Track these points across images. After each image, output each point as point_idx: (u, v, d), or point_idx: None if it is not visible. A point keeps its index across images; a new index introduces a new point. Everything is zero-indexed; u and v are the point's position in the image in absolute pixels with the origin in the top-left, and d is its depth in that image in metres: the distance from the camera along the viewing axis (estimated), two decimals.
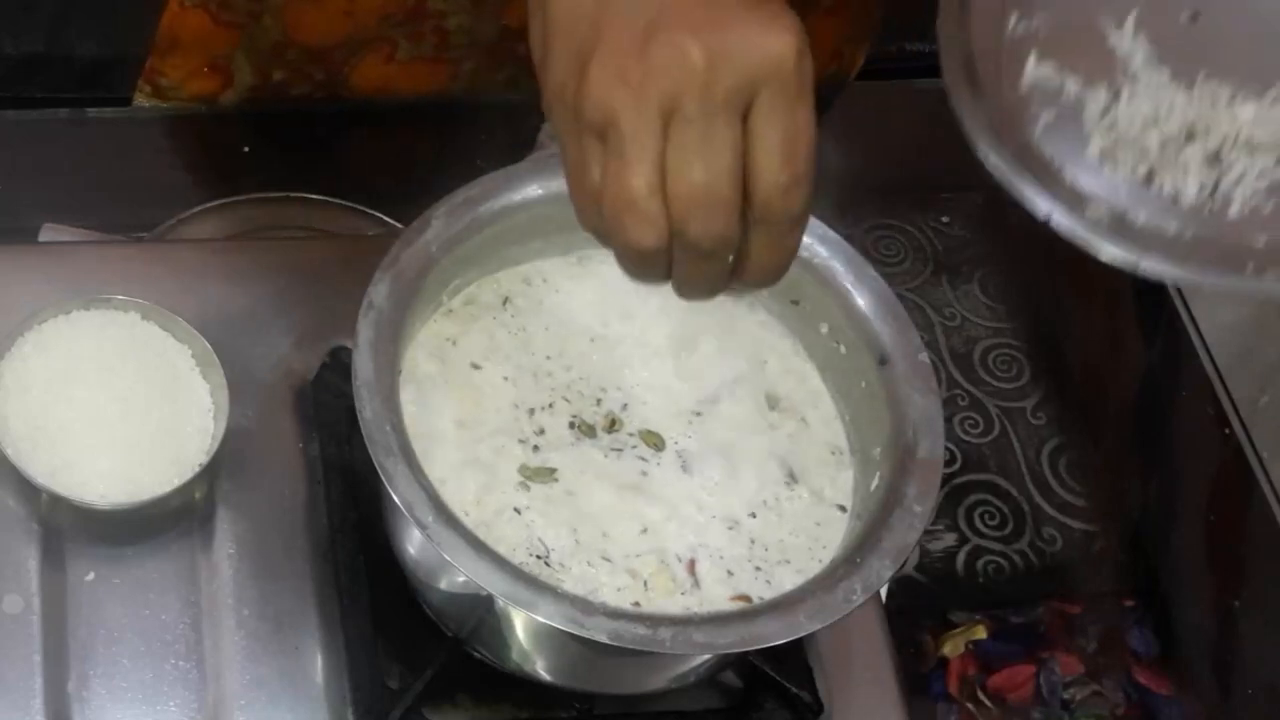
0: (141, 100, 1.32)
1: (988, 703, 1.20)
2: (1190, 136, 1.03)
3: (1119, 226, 0.98)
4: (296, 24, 1.26)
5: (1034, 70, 0.92)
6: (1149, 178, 1.01)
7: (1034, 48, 0.91)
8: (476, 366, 0.97)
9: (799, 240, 0.76)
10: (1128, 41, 0.94)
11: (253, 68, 1.29)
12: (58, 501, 0.98)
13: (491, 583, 0.84)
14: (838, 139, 1.47)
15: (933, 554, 1.32)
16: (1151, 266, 0.96)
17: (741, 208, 0.73)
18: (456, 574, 0.87)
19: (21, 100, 1.48)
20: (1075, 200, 0.97)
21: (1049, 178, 0.98)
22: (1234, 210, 1.01)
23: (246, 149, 1.35)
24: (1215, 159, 1.03)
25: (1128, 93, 1.04)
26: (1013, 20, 0.92)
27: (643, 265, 0.74)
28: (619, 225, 0.72)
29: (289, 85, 1.30)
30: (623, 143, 0.69)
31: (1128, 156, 1.01)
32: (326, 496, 1.02)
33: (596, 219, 0.73)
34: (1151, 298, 1.45)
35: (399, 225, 1.27)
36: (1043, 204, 0.93)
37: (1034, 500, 1.39)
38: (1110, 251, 0.95)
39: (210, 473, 1.01)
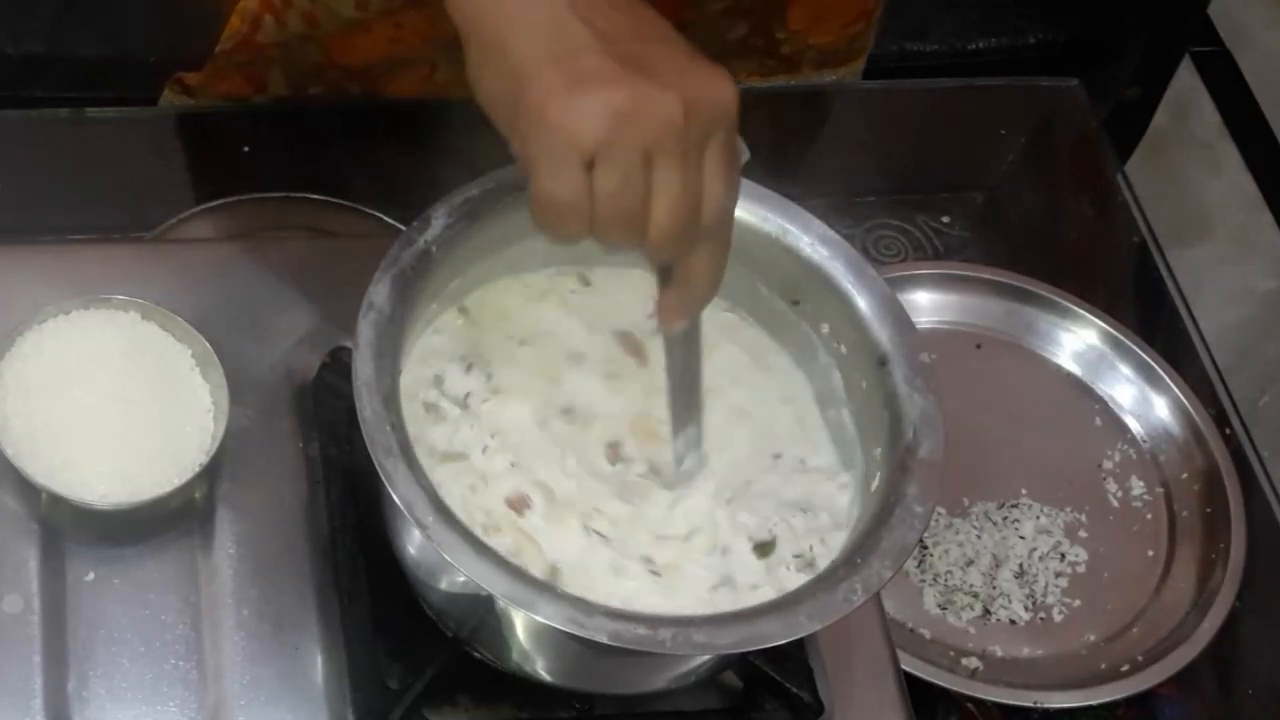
0: (171, 98, 1.33)
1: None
2: (998, 564, 1.27)
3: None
4: (341, 48, 1.27)
5: None
6: (985, 614, 1.25)
7: None
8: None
9: (728, 252, 0.87)
10: None
11: (288, 81, 1.30)
12: (58, 501, 0.98)
13: (491, 583, 0.84)
14: (838, 139, 1.48)
15: None
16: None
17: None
18: (456, 574, 0.87)
19: (21, 100, 1.48)
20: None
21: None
22: (1058, 616, 1.26)
23: (246, 149, 1.35)
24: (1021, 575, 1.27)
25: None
26: None
27: (614, 247, 0.84)
28: (610, 230, 0.82)
29: (323, 97, 1.31)
30: (615, 172, 0.80)
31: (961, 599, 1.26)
32: (326, 496, 1.02)
33: (570, 226, 0.82)
34: (1152, 297, 1.45)
35: (399, 225, 1.27)
36: None
37: None
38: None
39: (210, 473, 1.01)
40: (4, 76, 1.60)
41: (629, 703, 0.99)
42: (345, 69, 1.29)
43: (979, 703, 1.20)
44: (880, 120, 1.50)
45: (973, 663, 1.23)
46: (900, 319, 0.97)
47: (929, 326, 1.39)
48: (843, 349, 0.99)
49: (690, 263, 0.85)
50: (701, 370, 0.93)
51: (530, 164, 0.82)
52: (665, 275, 0.87)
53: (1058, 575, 1.28)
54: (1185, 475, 1.34)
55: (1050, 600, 1.26)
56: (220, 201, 1.30)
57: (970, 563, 1.27)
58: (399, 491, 0.86)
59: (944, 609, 1.25)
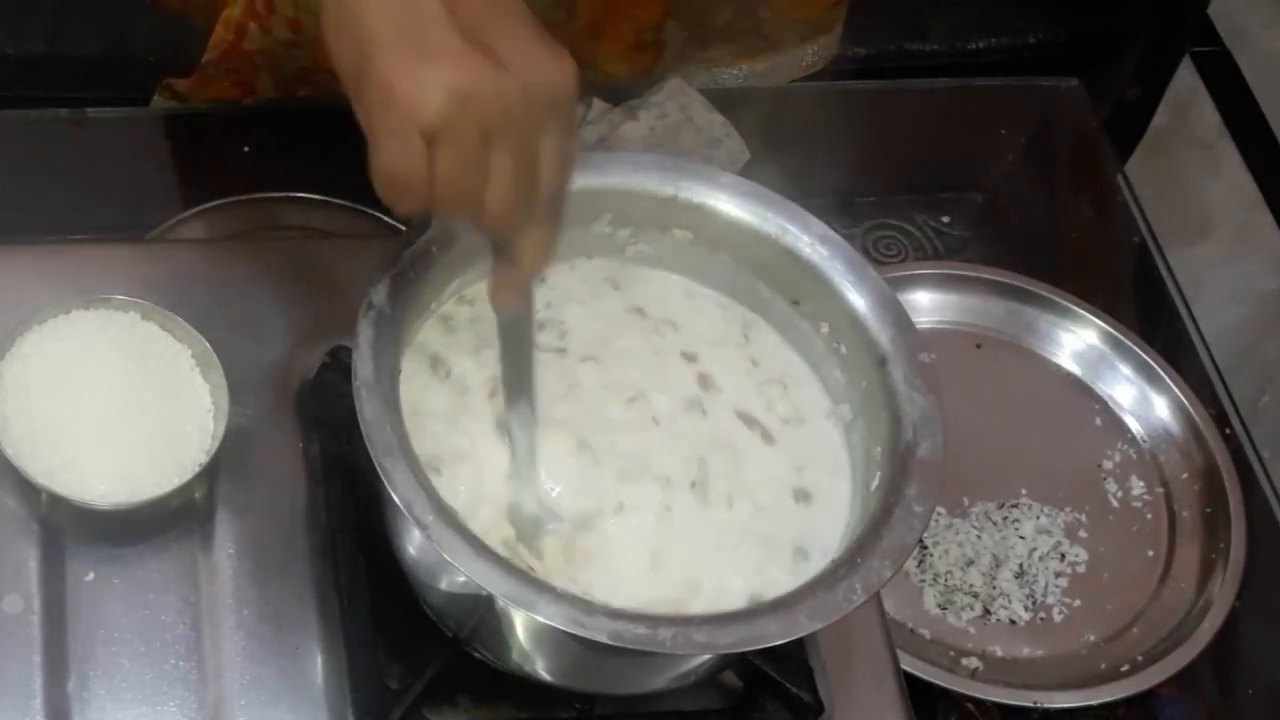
0: (160, 101, 1.33)
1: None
2: (998, 564, 1.27)
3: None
4: (327, 53, 1.27)
5: None
6: (985, 614, 1.25)
7: None
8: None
9: (559, 232, 0.88)
10: None
11: (276, 85, 1.30)
12: (58, 501, 0.98)
13: (491, 583, 0.84)
14: (838, 139, 1.48)
15: None
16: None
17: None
18: (456, 574, 0.87)
19: (21, 100, 1.48)
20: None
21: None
22: (1058, 616, 1.27)
23: (246, 149, 1.35)
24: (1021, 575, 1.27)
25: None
26: None
27: (451, 219, 0.90)
28: (447, 205, 0.84)
29: (323, 97, 1.31)
30: (454, 151, 0.81)
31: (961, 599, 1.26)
32: (326, 496, 1.02)
33: (408, 198, 0.84)
34: (1152, 297, 1.45)
35: (399, 225, 1.27)
36: None
37: None
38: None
39: (210, 473, 1.01)
40: (4, 76, 1.61)
41: (629, 703, 0.99)
42: (332, 73, 1.29)
43: (979, 703, 1.20)
44: (880, 120, 1.50)
45: (973, 663, 1.23)
46: (900, 319, 0.97)
47: (929, 326, 1.39)
48: (843, 349, 0.99)
49: (521, 241, 0.87)
50: (533, 351, 0.93)
51: (372, 136, 0.83)
52: (498, 251, 0.88)
53: (1058, 575, 1.28)
54: (1185, 475, 1.34)
55: (1050, 600, 1.26)
56: (220, 202, 1.30)
57: (970, 563, 1.27)
58: (399, 491, 0.86)
59: (944, 609, 1.25)
